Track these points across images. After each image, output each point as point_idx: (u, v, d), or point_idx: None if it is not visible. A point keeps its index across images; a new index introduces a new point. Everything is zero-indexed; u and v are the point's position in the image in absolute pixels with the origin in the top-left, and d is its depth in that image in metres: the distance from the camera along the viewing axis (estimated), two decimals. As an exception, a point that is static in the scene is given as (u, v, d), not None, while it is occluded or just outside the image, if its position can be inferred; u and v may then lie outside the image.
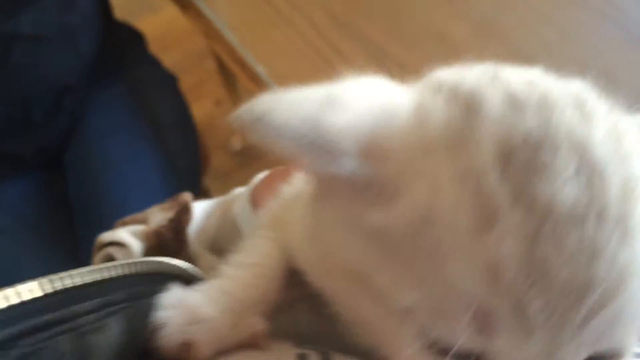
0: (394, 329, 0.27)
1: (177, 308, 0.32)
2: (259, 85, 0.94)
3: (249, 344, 0.33)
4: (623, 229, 0.24)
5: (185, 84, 1.16)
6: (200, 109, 1.37)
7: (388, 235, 0.26)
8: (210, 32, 1.02)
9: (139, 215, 0.55)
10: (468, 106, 0.26)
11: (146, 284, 0.36)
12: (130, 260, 0.37)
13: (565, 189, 0.24)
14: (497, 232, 0.23)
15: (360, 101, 0.27)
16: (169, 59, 1.20)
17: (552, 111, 0.25)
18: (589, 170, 0.24)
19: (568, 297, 0.23)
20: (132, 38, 1.12)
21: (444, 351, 0.25)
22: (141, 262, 0.38)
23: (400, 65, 0.92)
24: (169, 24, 1.53)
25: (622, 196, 0.24)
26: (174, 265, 0.40)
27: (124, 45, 1.09)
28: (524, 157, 0.24)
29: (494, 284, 0.24)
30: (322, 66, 0.95)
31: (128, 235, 0.51)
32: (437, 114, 0.26)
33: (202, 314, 0.32)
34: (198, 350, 0.31)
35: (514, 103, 0.26)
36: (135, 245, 0.50)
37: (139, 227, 0.52)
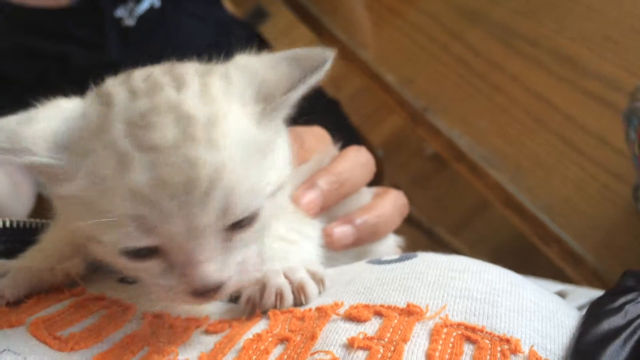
0: (111, 255, 0.41)
1: None
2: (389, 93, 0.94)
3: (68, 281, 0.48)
4: (209, 144, 0.38)
5: (373, 103, 1.17)
6: (392, 123, 1.40)
7: (76, 197, 0.39)
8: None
9: None
10: (105, 102, 0.41)
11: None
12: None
13: (166, 133, 0.38)
14: (132, 169, 0.37)
15: (49, 114, 0.41)
16: (352, 87, 1.21)
17: (155, 92, 0.40)
18: (183, 119, 0.38)
19: (185, 192, 0.37)
20: None
21: (137, 252, 0.40)
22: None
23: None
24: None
25: (207, 126, 0.38)
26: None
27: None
28: (142, 123, 0.38)
29: (139, 200, 0.37)
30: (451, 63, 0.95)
31: None
32: (90, 111, 0.41)
33: (11, 268, 0.47)
34: (4, 297, 0.45)
35: (133, 93, 0.41)
36: None
37: None
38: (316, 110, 1.05)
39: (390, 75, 1.03)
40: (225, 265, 0.40)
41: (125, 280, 0.49)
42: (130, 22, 0.96)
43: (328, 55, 0.42)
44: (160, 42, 0.98)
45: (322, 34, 1.15)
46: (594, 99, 0.87)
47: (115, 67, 0.78)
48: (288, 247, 0.48)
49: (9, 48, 0.85)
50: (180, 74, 0.42)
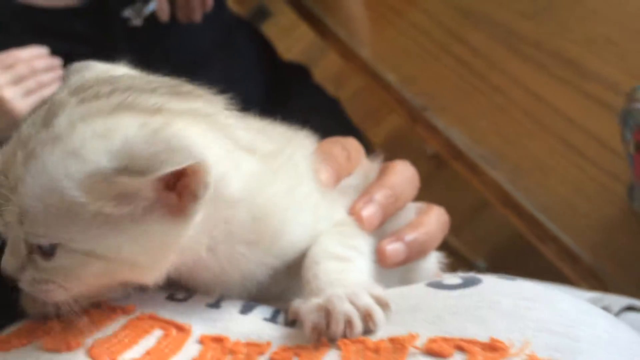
0: None
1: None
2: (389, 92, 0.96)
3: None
4: (29, 157, 0.39)
5: (374, 103, 1.19)
6: (392, 122, 1.42)
7: None
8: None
9: None
10: None
11: None
12: None
13: (28, 124, 0.41)
14: None
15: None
16: (352, 86, 1.22)
17: (66, 87, 0.44)
18: (46, 126, 0.40)
19: (3, 175, 0.40)
20: (298, 73, 1.14)
21: None
22: None
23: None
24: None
25: (45, 141, 0.39)
26: None
27: (289, 82, 1.11)
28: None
29: None
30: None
31: None
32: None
33: None
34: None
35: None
36: None
37: None
38: (317, 109, 1.06)
39: (391, 74, 1.03)
40: (19, 268, 0.41)
41: (173, 297, 0.47)
42: (137, 22, 0.97)
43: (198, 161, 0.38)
44: (167, 42, 0.99)
45: (324, 33, 1.16)
46: (594, 101, 0.88)
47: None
48: (342, 265, 0.46)
49: (16, 47, 0.86)
50: (110, 91, 0.41)
